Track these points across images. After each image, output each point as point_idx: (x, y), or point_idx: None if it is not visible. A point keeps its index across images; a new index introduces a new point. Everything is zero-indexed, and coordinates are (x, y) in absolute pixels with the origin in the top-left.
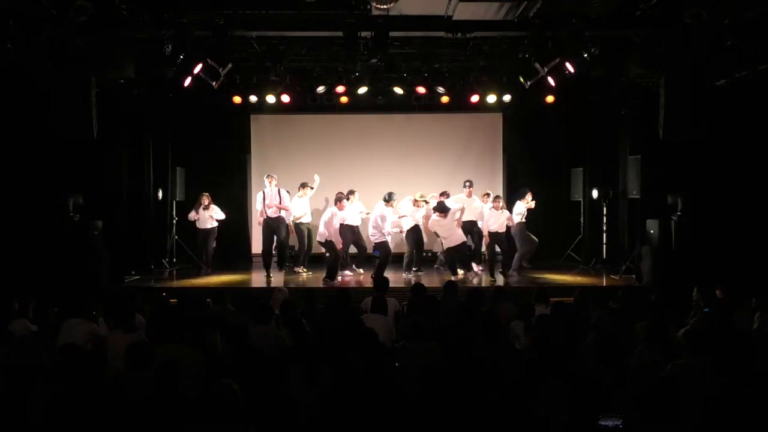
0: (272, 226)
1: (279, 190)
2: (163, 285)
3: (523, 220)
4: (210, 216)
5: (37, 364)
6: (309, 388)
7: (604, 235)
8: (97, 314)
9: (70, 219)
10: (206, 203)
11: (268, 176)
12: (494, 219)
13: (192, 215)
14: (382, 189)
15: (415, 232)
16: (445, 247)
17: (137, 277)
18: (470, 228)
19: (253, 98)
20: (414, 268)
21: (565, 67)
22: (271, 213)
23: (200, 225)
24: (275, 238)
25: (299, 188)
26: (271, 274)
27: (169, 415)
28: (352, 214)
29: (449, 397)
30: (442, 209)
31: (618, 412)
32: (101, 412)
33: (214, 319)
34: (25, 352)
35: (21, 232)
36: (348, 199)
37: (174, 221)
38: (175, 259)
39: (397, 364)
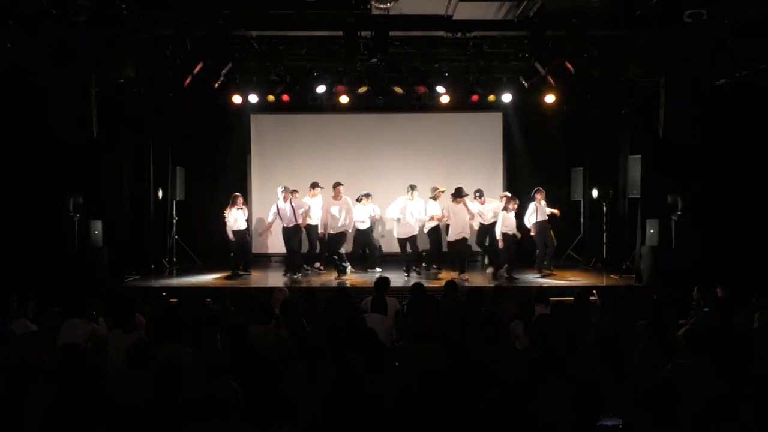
0: (289, 234)
1: (292, 204)
2: (163, 285)
3: (539, 219)
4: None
5: (37, 364)
6: (309, 388)
7: (605, 234)
8: (97, 314)
9: (70, 219)
10: (240, 204)
11: (284, 191)
12: (506, 221)
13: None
14: (382, 189)
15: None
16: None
17: (137, 276)
18: (486, 231)
19: (253, 98)
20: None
21: (565, 67)
22: (287, 223)
23: (237, 227)
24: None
25: (310, 189)
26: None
27: (169, 415)
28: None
29: (449, 396)
30: (458, 194)
31: (618, 412)
32: (101, 413)
33: (214, 319)
34: (25, 351)
35: (21, 231)
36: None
37: (174, 221)
38: (175, 259)
39: (397, 364)
